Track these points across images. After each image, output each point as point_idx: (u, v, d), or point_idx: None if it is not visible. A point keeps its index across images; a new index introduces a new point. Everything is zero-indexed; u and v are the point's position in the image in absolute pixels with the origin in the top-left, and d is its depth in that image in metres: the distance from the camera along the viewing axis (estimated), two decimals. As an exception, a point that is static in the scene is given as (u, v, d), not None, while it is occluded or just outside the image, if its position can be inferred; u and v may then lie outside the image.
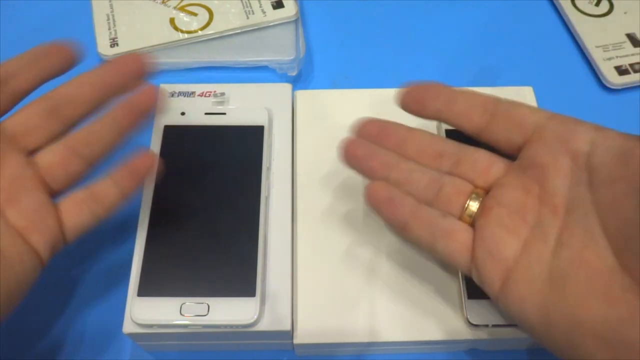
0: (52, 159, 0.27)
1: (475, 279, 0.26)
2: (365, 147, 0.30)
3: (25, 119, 0.28)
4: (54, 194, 0.28)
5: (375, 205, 0.28)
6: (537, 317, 0.24)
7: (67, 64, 0.29)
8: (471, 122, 0.28)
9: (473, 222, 0.27)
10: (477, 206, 0.27)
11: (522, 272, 0.24)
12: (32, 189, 0.26)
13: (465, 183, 0.28)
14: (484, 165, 0.28)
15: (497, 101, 0.28)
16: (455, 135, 0.36)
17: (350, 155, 0.30)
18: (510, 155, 0.28)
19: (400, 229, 0.28)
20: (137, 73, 0.29)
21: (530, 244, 0.25)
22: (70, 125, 0.28)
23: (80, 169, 0.28)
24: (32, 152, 0.28)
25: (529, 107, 0.28)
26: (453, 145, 0.29)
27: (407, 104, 0.30)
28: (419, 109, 0.29)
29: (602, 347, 0.22)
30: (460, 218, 0.27)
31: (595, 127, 0.26)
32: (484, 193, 0.28)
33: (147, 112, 0.29)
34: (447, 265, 0.32)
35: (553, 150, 0.26)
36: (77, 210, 0.27)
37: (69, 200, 0.28)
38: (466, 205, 0.27)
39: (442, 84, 0.29)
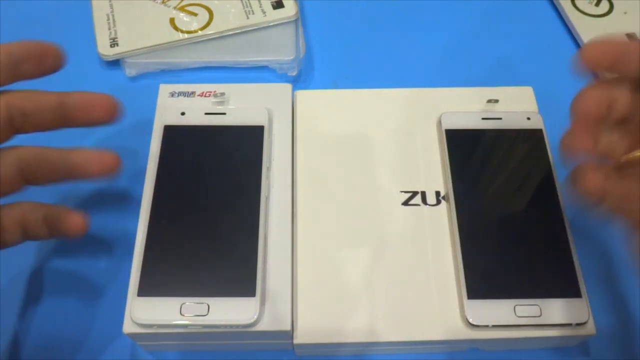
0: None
1: None
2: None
3: None
4: None
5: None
6: None
7: (52, 68, 0.28)
8: None
9: None
10: None
11: None
12: None
13: None
14: None
15: None
16: (455, 135, 0.36)
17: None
18: None
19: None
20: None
21: None
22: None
23: (21, 188, 0.28)
24: None
25: None
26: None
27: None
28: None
29: None
30: None
31: None
32: None
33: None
34: (445, 265, 0.32)
35: None
36: (12, 233, 0.28)
37: (5, 217, 0.27)
38: None
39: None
